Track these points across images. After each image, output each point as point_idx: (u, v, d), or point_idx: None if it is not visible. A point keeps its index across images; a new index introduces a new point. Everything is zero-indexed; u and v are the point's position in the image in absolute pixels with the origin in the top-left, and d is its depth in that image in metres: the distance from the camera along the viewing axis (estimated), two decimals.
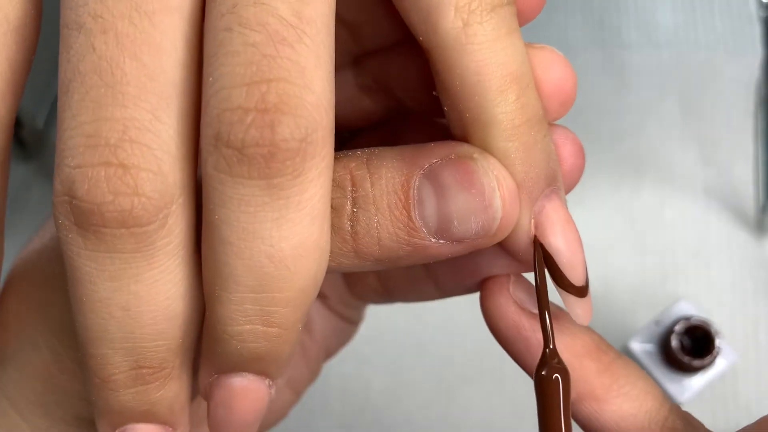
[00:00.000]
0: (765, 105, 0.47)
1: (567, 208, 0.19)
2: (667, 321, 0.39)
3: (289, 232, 0.17)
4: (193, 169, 0.18)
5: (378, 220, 0.18)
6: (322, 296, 0.27)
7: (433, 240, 0.18)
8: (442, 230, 0.18)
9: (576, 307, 0.20)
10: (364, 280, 0.26)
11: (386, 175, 0.18)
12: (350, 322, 0.28)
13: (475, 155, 0.18)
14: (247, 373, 0.19)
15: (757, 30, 0.49)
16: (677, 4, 0.50)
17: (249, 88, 0.16)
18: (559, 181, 0.19)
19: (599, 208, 0.46)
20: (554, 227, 0.19)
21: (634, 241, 0.45)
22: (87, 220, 0.16)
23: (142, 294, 0.17)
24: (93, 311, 0.17)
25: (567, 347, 0.20)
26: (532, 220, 0.19)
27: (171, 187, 0.17)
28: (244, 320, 0.17)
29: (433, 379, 0.42)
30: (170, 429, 0.19)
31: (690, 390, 0.38)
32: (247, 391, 0.19)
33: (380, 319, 0.46)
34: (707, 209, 0.45)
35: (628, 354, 0.38)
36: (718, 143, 0.46)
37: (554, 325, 0.19)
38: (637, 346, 0.38)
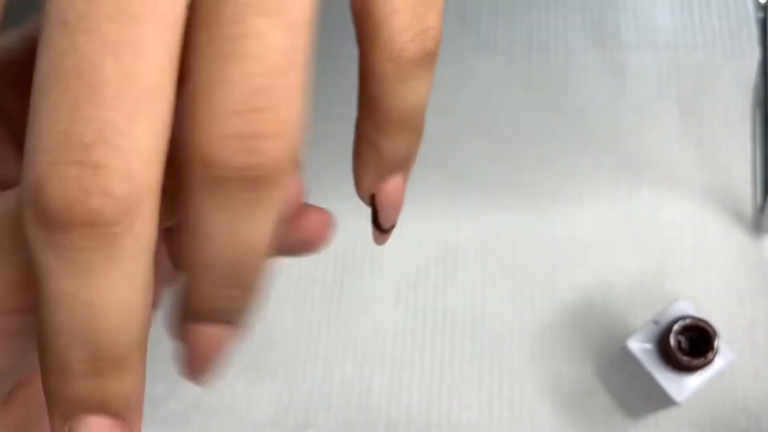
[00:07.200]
0: (762, 105, 0.47)
1: (403, 187, 0.23)
2: (665, 320, 0.39)
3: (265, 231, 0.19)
4: (162, 172, 0.18)
5: None
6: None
7: None
8: None
9: (377, 237, 0.23)
10: None
11: None
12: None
13: None
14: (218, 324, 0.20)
15: (754, 31, 0.49)
16: (675, 6, 0.50)
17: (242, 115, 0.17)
18: (408, 167, 0.22)
19: (598, 208, 0.46)
20: (387, 194, 0.22)
21: (633, 240, 0.45)
22: (54, 217, 0.17)
23: (105, 292, 0.18)
24: (55, 304, 0.18)
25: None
26: (381, 183, 0.22)
27: (140, 190, 0.17)
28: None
29: (433, 379, 0.43)
30: (123, 422, 0.20)
31: (688, 389, 0.38)
32: (217, 338, 0.21)
33: (380, 319, 0.46)
34: (705, 209, 0.45)
35: (626, 353, 0.39)
36: (716, 143, 0.47)
37: None
38: (636, 346, 0.38)
